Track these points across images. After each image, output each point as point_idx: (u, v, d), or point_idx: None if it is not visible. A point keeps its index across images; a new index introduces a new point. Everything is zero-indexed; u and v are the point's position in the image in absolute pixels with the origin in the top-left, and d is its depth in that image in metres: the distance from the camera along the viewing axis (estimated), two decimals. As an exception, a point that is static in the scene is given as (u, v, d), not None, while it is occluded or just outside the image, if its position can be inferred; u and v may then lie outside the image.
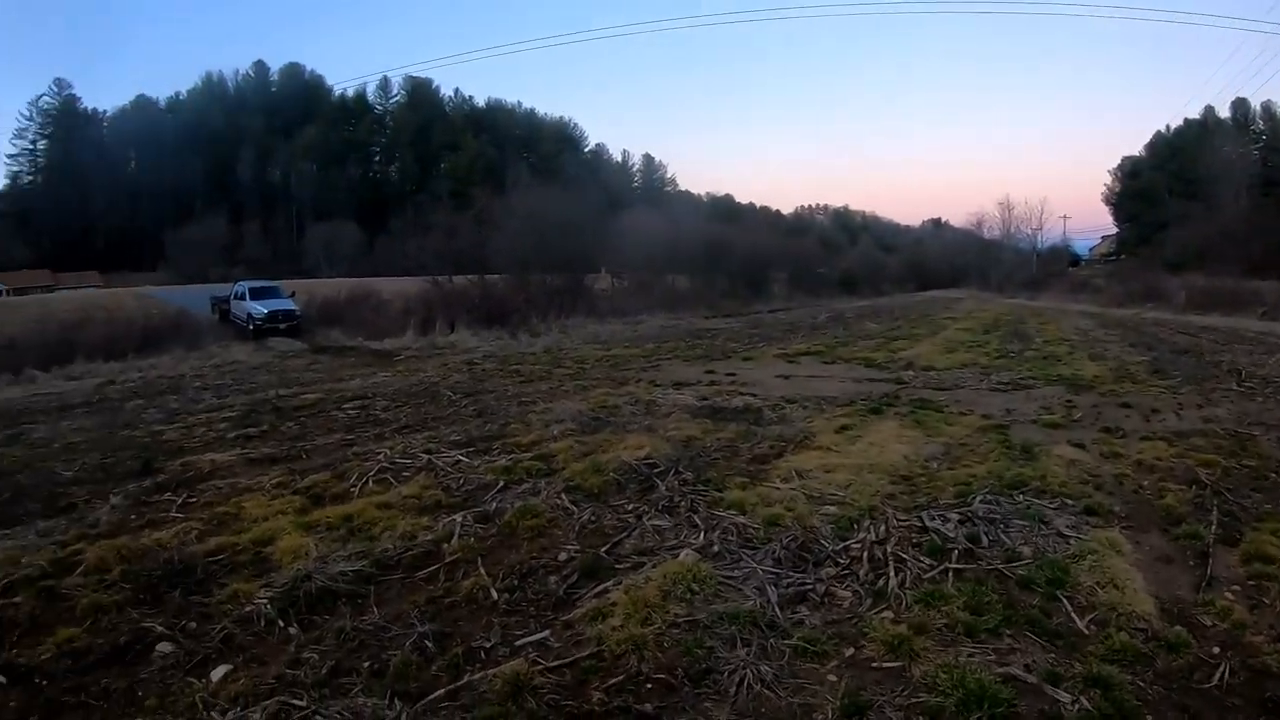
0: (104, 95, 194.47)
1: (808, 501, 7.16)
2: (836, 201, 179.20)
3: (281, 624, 5.27)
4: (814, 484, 7.77)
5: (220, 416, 14.22)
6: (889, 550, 5.97)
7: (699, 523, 6.78)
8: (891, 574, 5.57)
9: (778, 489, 7.62)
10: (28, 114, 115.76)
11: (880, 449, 9.19)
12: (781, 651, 4.59)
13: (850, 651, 4.59)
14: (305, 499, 8.20)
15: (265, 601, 5.50)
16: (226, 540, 6.87)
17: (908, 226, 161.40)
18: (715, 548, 6.18)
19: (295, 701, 4.23)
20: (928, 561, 5.77)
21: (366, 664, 4.71)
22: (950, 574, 5.56)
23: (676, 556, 5.98)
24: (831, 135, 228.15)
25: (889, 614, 5.00)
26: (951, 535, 6.21)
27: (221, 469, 9.83)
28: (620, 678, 4.39)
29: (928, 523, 6.49)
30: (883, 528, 6.43)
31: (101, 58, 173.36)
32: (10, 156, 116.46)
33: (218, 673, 4.66)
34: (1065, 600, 5.12)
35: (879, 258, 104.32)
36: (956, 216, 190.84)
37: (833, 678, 4.32)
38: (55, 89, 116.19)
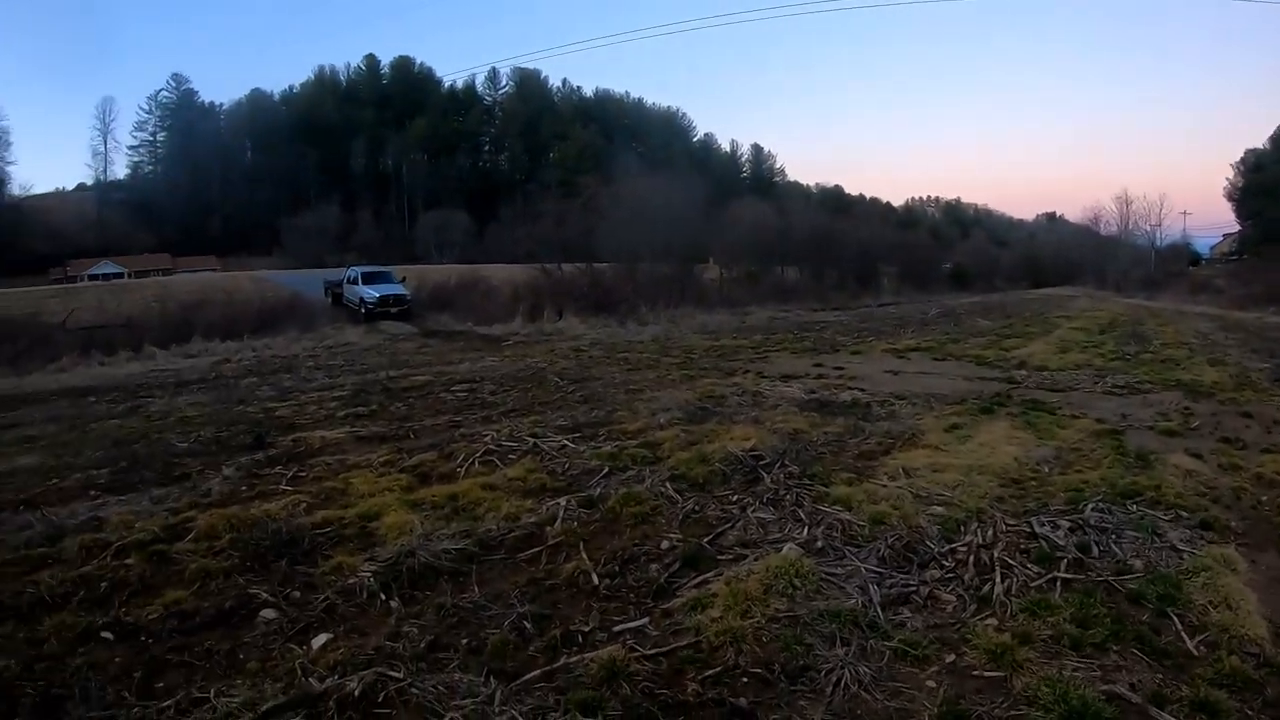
0: (220, 89, 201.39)
1: (914, 501, 7.00)
2: (948, 194, 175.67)
3: (383, 597, 5.40)
4: (921, 483, 7.60)
5: (331, 395, 14.69)
6: (996, 555, 5.81)
7: (803, 517, 6.70)
8: (997, 580, 5.41)
9: (884, 486, 7.48)
10: (147, 108, 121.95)
11: (990, 450, 8.95)
12: (881, 653, 4.49)
13: (951, 658, 4.48)
14: (412, 477, 8.39)
15: (369, 575, 5.64)
16: (333, 514, 7.08)
17: (1021, 220, 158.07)
18: (819, 543, 6.09)
19: (392, 673, 4.31)
20: (1035, 569, 5.59)
21: (465, 641, 4.77)
22: (1058, 583, 5.37)
23: (779, 550, 5.91)
24: (944, 125, 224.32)
25: (993, 621, 4.87)
26: (1061, 543, 6.00)
27: (331, 445, 10.16)
28: (717, 669, 4.37)
29: (1037, 529, 6.29)
30: (990, 531, 6.27)
31: (218, 54, 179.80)
32: (131, 148, 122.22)
33: (318, 641, 4.79)
34: (1175, 618, 4.90)
35: (991, 252, 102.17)
36: (1072, 211, 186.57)
37: (932, 684, 4.23)
38: (173, 84, 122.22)
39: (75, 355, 24.77)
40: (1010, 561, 5.72)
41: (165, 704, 4.11)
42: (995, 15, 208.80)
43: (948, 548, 6.00)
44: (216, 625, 5.05)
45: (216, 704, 4.07)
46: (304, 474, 8.74)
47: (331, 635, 4.87)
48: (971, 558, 5.79)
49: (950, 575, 5.57)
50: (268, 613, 5.19)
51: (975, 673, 4.32)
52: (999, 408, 11.71)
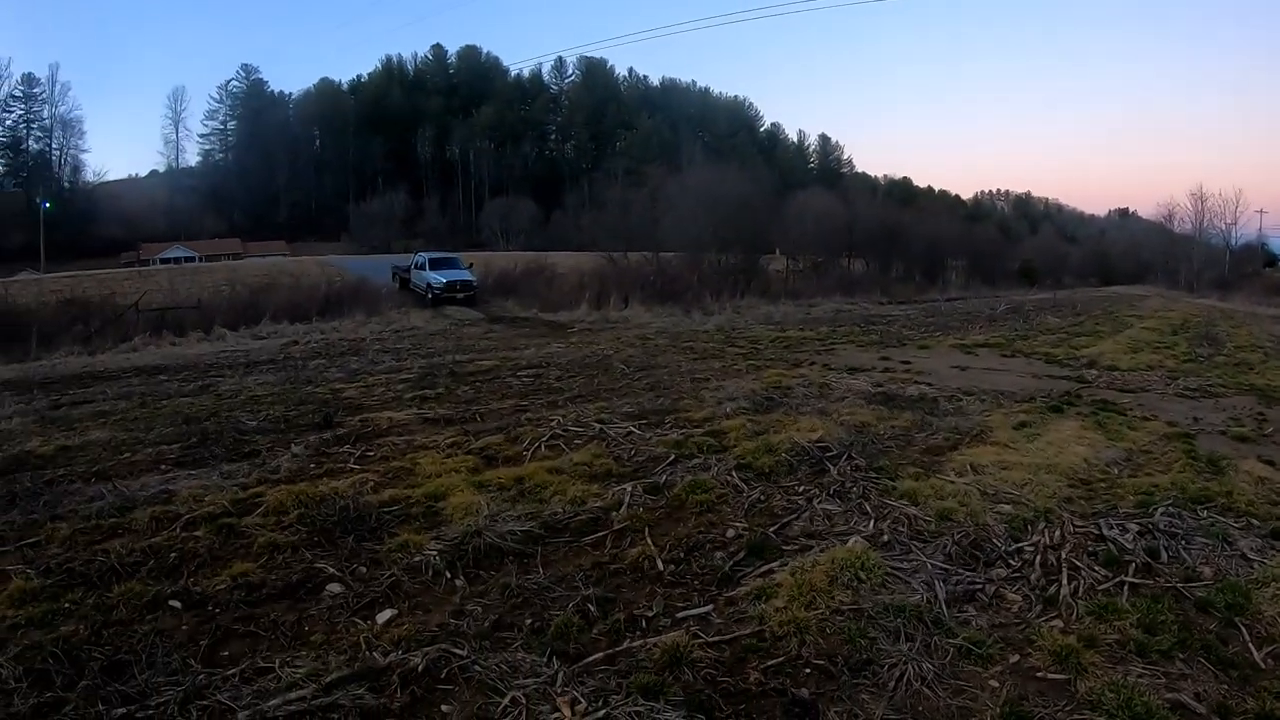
0: (289, 79, 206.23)
1: (982, 498, 6.96)
2: (1018, 187, 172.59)
3: (448, 576, 5.50)
4: (989, 480, 7.54)
5: (398, 378, 14.88)
6: (1063, 556, 5.74)
7: (869, 510, 6.69)
8: (1064, 581, 5.35)
9: (951, 482, 7.43)
10: (218, 97, 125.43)
11: (1059, 449, 8.83)
12: (945, 650, 4.47)
13: (1015, 658, 4.44)
14: (478, 459, 8.49)
15: (434, 553, 5.74)
16: (400, 493, 7.20)
17: (1092, 216, 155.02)
18: (885, 537, 6.09)
19: (456, 650, 4.38)
20: (1102, 572, 5.52)
21: (528, 621, 4.84)
22: (1125, 587, 5.30)
23: (845, 543, 5.91)
24: (1014, 117, 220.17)
25: (1058, 623, 4.83)
26: (1129, 546, 5.91)
27: (398, 426, 10.30)
28: (779, 659, 4.38)
29: (1105, 531, 6.20)
30: (1058, 532, 6.19)
31: (287, 45, 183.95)
32: (202, 136, 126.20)
33: (383, 616, 4.90)
34: (1243, 628, 4.81)
35: (1061, 248, 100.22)
36: (1145, 207, 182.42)
37: (995, 684, 4.20)
38: (243, 74, 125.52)
39: (147, 335, 25.62)
40: (1077, 563, 5.65)
41: (230, 672, 4.23)
42: (1070, 2, 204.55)
43: (1014, 547, 5.96)
44: (283, 598, 5.19)
45: (281, 674, 4.19)
46: (371, 453, 8.90)
47: (396, 611, 4.98)
48: (1038, 558, 5.74)
49: (1016, 575, 5.52)
50: (334, 587, 5.33)
51: (1039, 674, 4.29)
52: (1068, 407, 11.56)
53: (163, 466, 8.58)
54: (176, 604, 5.07)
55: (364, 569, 5.60)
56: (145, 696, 4.02)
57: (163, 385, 15.47)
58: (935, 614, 4.87)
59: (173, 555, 5.84)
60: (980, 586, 5.31)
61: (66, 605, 5.03)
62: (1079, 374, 15.34)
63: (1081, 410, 11.36)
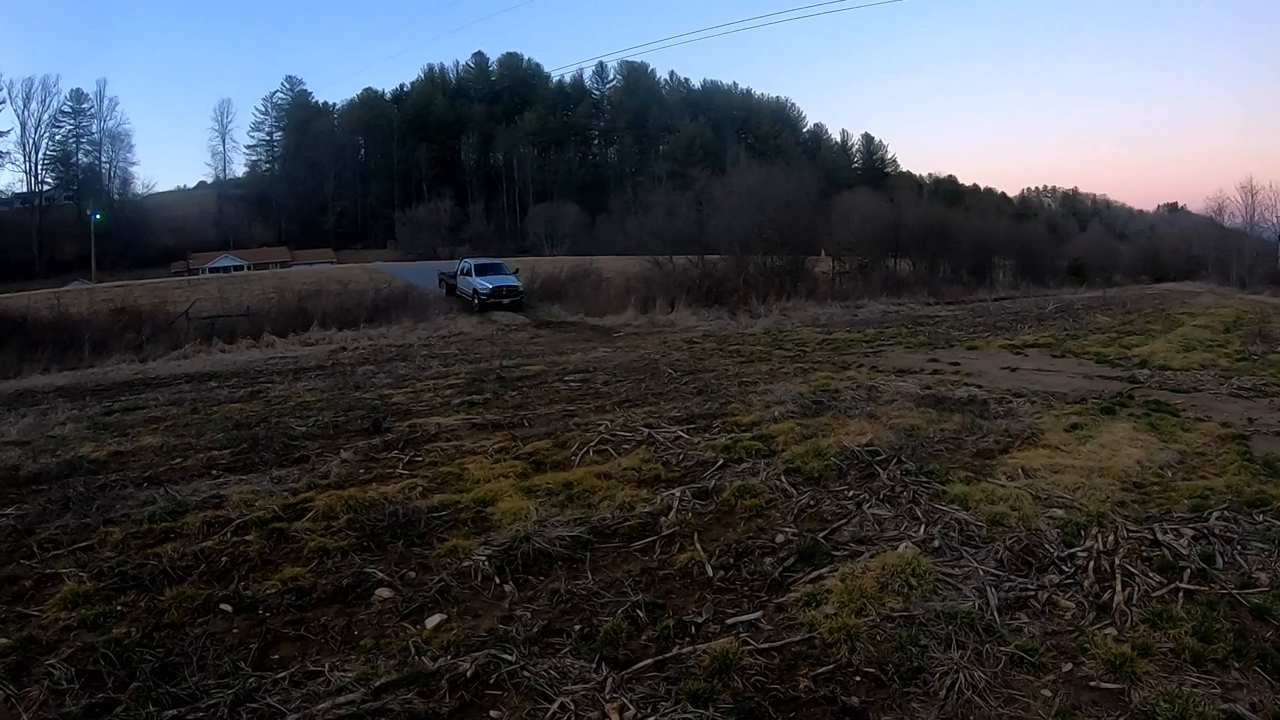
0: (333, 90, 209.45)
1: (1034, 502, 6.88)
2: (1065, 183, 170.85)
3: (497, 581, 5.56)
4: (1041, 484, 7.45)
5: (446, 383, 15.06)
6: (1117, 562, 5.66)
7: (920, 515, 6.66)
8: (1118, 588, 5.27)
9: (1003, 486, 7.35)
10: (263, 108, 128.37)
11: (1112, 452, 8.69)
12: (997, 658, 4.42)
13: (1068, 667, 4.38)
14: (526, 464, 8.59)
15: (484, 558, 5.81)
16: (449, 498, 7.32)
17: (1141, 211, 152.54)
18: (935, 542, 6.05)
19: (504, 655, 4.43)
20: (1157, 578, 5.41)
21: (577, 627, 4.87)
22: (1180, 594, 5.18)
23: (895, 548, 5.90)
24: (1060, 112, 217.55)
25: (1112, 631, 4.75)
26: (1184, 552, 5.79)
27: (446, 432, 10.44)
28: (829, 667, 4.37)
29: (1159, 536, 6.09)
30: (1111, 537, 6.11)
31: (331, 56, 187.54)
32: (248, 147, 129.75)
33: (432, 620, 4.98)
34: None
35: (1110, 245, 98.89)
36: (1194, 201, 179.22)
37: (1047, 692, 4.14)
38: (288, 85, 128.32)
39: (197, 343, 26.21)
40: (1131, 569, 5.56)
41: (280, 675, 4.33)
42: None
43: (1067, 552, 5.88)
44: (333, 602, 5.28)
45: (330, 678, 4.27)
46: (420, 459, 9.03)
47: (445, 616, 5.05)
48: (1092, 564, 5.67)
49: (1069, 581, 5.45)
50: (383, 591, 5.41)
51: (1092, 683, 4.23)
52: (1120, 408, 11.39)
53: (214, 472, 8.80)
54: (227, 607, 5.19)
55: (413, 574, 5.70)
56: (196, 699, 4.12)
57: (213, 391, 15.83)
58: (987, 621, 4.82)
59: (224, 559, 6.00)
60: (1033, 593, 5.25)
61: (119, 608, 5.18)
62: (1130, 374, 15.11)
63: (1134, 411, 11.19)
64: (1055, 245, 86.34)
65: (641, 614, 5.01)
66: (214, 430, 11.29)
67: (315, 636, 4.82)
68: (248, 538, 6.47)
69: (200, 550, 6.12)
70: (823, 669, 4.36)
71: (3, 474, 9.09)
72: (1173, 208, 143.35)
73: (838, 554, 5.94)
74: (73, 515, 7.20)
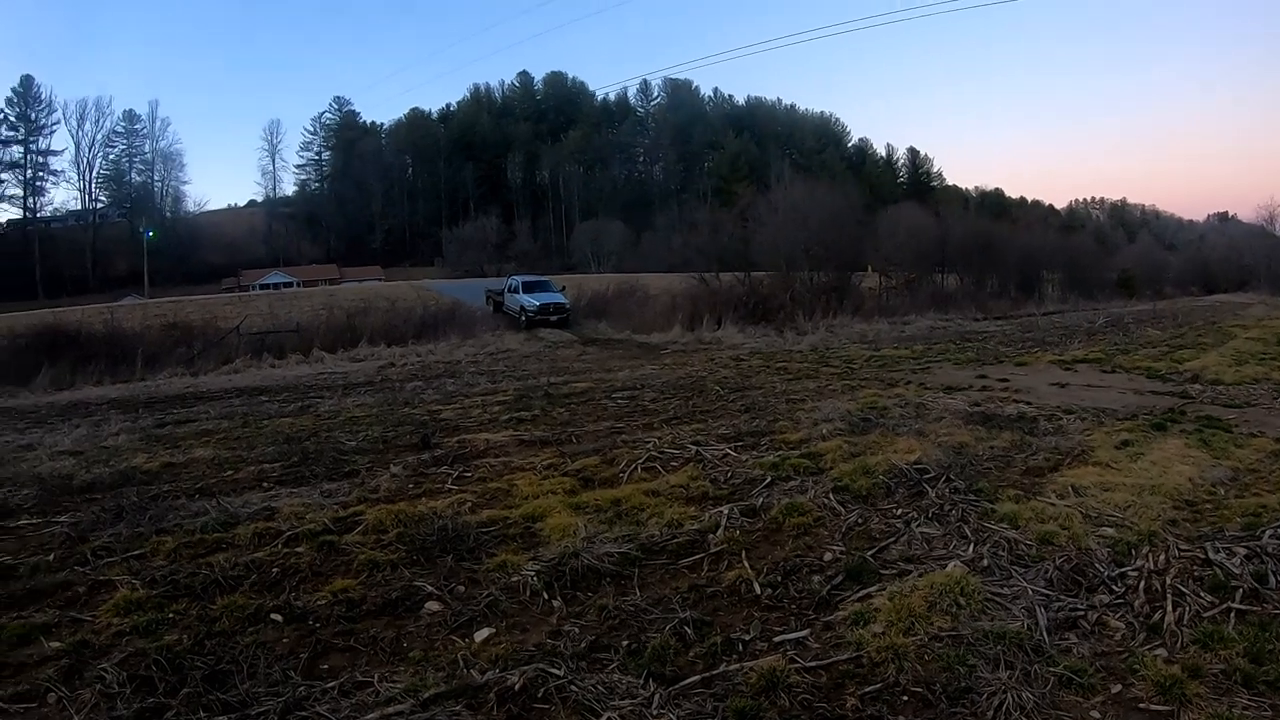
0: (380, 110, 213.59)
1: (1084, 521, 6.81)
2: (1113, 194, 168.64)
3: (546, 596, 5.62)
4: (1091, 502, 7.36)
5: (494, 400, 15.20)
6: (1168, 582, 5.57)
7: (969, 534, 6.62)
8: (1169, 608, 5.20)
9: (1052, 505, 7.28)
10: (312, 128, 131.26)
11: (1163, 469, 8.56)
12: (1045, 679, 4.37)
13: (1118, 688, 4.33)
14: (575, 481, 8.66)
15: (532, 574, 5.89)
16: (498, 514, 7.41)
17: (1191, 221, 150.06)
18: (984, 561, 6.01)
19: (553, 670, 4.47)
20: (1208, 598, 5.33)
21: (625, 643, 4.91)
22: (1232, 615, 5.10)
23: (944, 567, 5.88)
24: (1107, 122, 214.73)
25: (1162, 652, 4.69)
26: (1236, 571, 5.67)
27: (495, 448, 10.55)
28: (877, 686, 4.36)
29: (1211, 555, 5.98)
30: (1162, 556, 6.02)
31: (378, 78, 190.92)
32: (298, 166, 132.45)
33: (481, 634, 5.04)
34: None
35: (1159, 256, 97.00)
36: (1245, 210, 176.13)
37: (1096, 714, 4.10)
38: (336, 106, 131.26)
39: (247, 358, 26.79)
40: (1182, 589, 5.48)
41: (329, 685, 4.42)
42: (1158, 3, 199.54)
43: (1118, 572, 5.81)
44: (382, 614, 5.38)
45: (379, 689, 4.36)
46: (469, 474, 9.14)
47: (494, 630, 5.11)
48: (1142, 583, 5.60)
49: (1119, 601, 5.39)
50: (432, 605, 5.50)
51: (1142, 705, 4.18)
52: (1172, 424, 11.20)
53: (264, 484, 9.00)
54: (278, 617, 5.31)
55: (462, 588, 5.78)
56: (246, 706, 4.22)
57: (263, 405, 16.13)
58: (1035, 641, 4.79)
59: (275, 570, 6.14)
60: (1082, 613, 5.21)
61: (170, 615, 5.31)
62: (1182, 389, 14.86)
63: (1185, 427, 11.00)
64: (1103, 258, 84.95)
65: (689, 631, 5.03)
66: (265, 444, 11.53)
67: (364, 648, 4.92)
68: (298, 549, 6.62)
69: (251, 561, 6.27)
70: (870, 688, 4.36)
71: (57, 483, 9.37)
72: (1223, 217, 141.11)
73: (886, 572, 5.93)
74: (125, 524, 7.41)
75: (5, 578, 6.27)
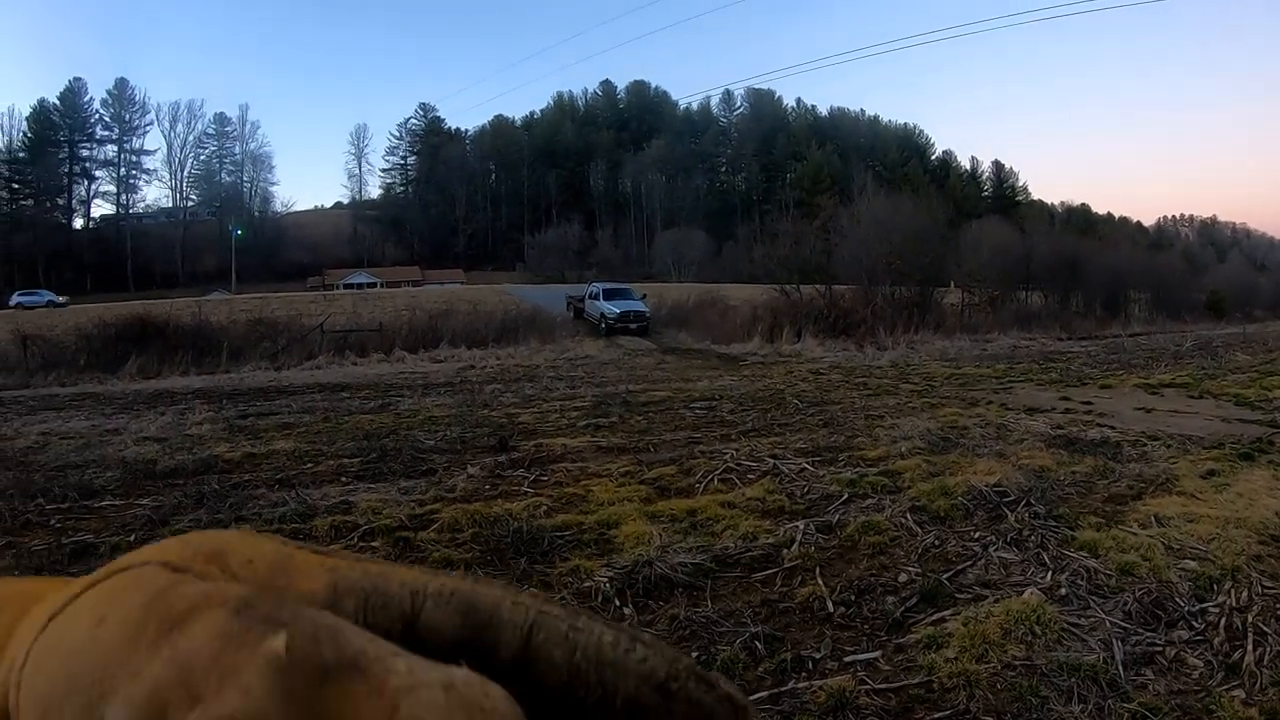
0: (465, 116, 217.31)
1: (1165, 552, 6.65)
2: (1203, 211, 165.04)
3: (618, 603, 5.65)
4: (1174, 533, 7.17)
5: (572, 405, 15.33)
6: (1249, 620, 5.42)
7: (1047, 561, 6.52)
8: (1249, 647, 5.04)
9: (1134, 534, 7.13)
10: (398, 134, 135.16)
11: (1249, 501, 8.27)
12: (1119, 715, 4.28)
13: None
14: (651, 489, 8.66)
15: (605, 580, 5.92)
16: (573, 518, 7.45)
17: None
18: (1062, 590, 5.92)
19: None
20: None
21: (694, 654, 4.87)
22: None
23: (1020, 594, 5.80)
24: (1197, 137, 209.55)
25: (1240, 693, 4.55)
26: None
27: (572, 453, 10.63)
28: (946, 712, 4.32)
29: None
30: (1245, 593, 5.85)
31: (464, 85, 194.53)
32: (383, 170, 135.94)
33: (553, 639, 5.14)
34: None
35: (1250, 277, 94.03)
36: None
37: None
38: (421, 112, 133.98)
39: (330, 355, 27.55)
40: (1264, 628, 5.33)
41: None
42: (1249, 8, 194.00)
43: (1199, 607, 5.68)
44: (453, 613, 5.50)
45: None
46: (545, 478, 9.21)
47: (565, 636, 5.20)
48: (1223, 620, 5.46)
49: (1199, 638, 5.26)
50: (503, 606, 5.60)
51: None
52: (1260, 454, 10.81)
53: (343, 478, 9.19)
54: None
55: (535, 590, 5.86)
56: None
57: (344, 402, 16.49)
58: (1111, 675, 4.70)
59: (351, 563, 6.30)
60: (1160, 648, 5.10)
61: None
62: (1271, 418, 14.40)
63: (1274, 458, 10.59)
64: (1192, 277, 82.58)
65: (759, 645, 5.04)
66: (344, 439, 11.79)
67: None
68: (374, 544, 6.79)
69: (328, 552, 6.47)
70: (940, 714, 4.33)
71: (141, 467, 9.72)
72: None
73: (961, 596, 5.89)
74: (206, 510, 7.66)
75: (85, 555, 6.54)
